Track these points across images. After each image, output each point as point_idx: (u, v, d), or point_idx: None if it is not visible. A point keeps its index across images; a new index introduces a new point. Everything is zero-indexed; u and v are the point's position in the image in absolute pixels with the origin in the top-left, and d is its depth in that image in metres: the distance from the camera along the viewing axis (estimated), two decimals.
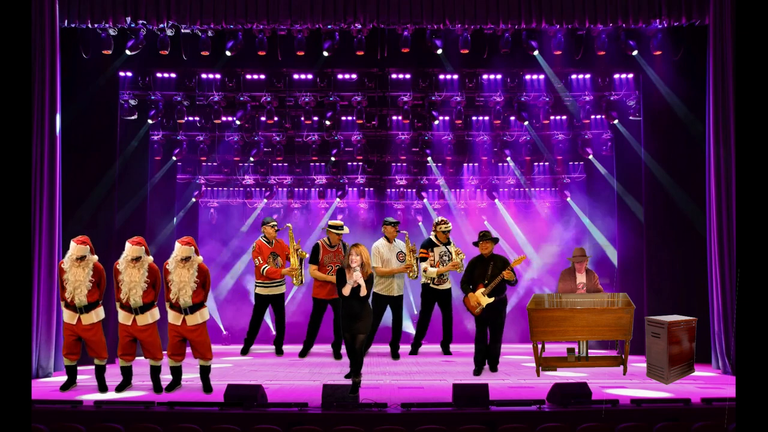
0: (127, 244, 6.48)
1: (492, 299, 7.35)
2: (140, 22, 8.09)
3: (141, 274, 6.45)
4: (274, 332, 9.42)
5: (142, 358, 6.91)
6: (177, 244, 6.49)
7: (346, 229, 8.59)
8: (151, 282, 6.54)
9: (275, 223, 8.85)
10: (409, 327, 12.04)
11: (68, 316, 6.61)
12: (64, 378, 6.83)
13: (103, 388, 6.58)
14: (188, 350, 6.74)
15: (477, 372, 7.53)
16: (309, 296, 9.01)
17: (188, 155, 11.87)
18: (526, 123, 10.86)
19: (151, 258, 6.61)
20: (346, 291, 6.36)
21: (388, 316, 8.77)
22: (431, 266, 8.52)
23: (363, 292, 6.34)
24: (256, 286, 8.87)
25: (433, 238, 8.62)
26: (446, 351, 8.96)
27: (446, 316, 8.89)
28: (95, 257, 6.64)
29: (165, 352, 6.73)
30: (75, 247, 6.49)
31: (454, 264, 8.50)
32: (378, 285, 8.47)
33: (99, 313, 6.69)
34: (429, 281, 8.67)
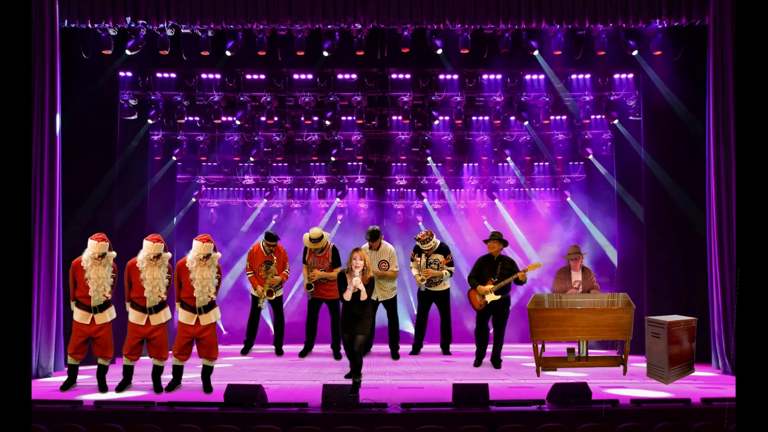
0: (147, 242, 6.46)
1: (498, 297, 7.78)
2: (140, 22, 8.09)
3: (162, 272, 6.48)
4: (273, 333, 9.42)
5: (143, 357, 6.91)
6: (196, 242, 6.47)
7: (324, 241, 8.46)
8: (170, 278, 6.58)
9: (273, 243, 8.71)
10: (409, 327, 12.05)
11: (81, 316, 6.61)
12: (64, 378, 6.83)
13: (103, 388, 6.58)
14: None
15: (476, 363, 7.98)
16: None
17: (188, 155, 11.87)
18: (526, 123, 10.86)
19: (169, 254, 6.64)
20: (347, 296, 6.52)
21: (385, 316, 8.78)
22: (416, 269, 8.65)
23: (363, 296, 6.51)
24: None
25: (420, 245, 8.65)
26: (446, 351, 8.96)
27: (443, 317, 8.87)
28: (114, 253, 6.66)
29: (170, 352, 6.73)
30: (96, 245, 6.47)
31: (437, 275, 8.49)
32: None
33: (111, 312, 6.74)
34: (420, 285, 8.71)
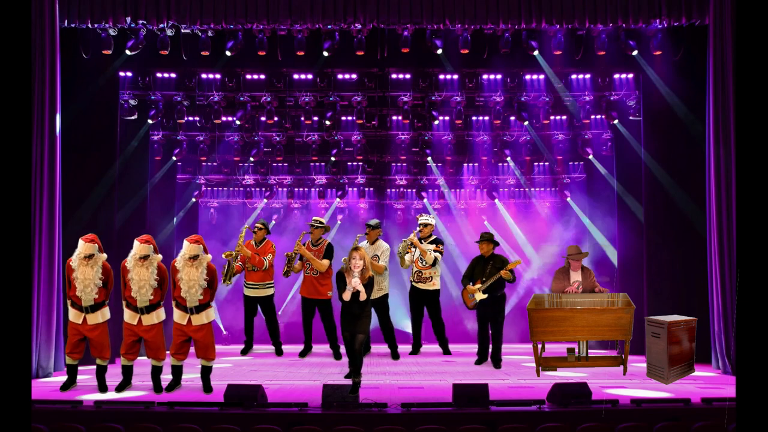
0: (136, 242, 6.47)
1: (486, 296, 7.90)
2: (140, 22, 8.09)
3: (150, 273, 6.44)
4: None
5: (143, 357, 6.91)
6: (185, 242, 6.48)
7: (322, 230, 8.52)
8: (159, 281, 6.53)
9: (261, 227, 8.73)
10: (408, 327, 12.04)
11: (74, 315, 6.60)
12: (64, 378, 6.83)
13: (103, 388, 6.58)
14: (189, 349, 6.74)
15: (479, 361, 8.19)
16: None
17: (188, 155, 11.88)
18: (526, 123, 10.86)
19: (159, 256, 6.61)
20: (347, 296, 6.46)
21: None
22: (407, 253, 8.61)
23: (362, 297, 6.47)
24: (244, 286, 8.88)
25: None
26: (446, 351, 8.95)
27: (433, 319, 8.79)
28: (104, 255, 6.64)
29: (168, 352, 6.72)
30: (83, 245, 6.48)
31: (420, 249, 8.41)
32: None
33: (105, 314, 6.69)
34: (412, 279, 8.69)
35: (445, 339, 8.95)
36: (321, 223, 8.55)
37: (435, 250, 8.49)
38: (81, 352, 6.72)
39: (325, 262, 8.41)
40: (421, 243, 8.51)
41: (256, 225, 8.76)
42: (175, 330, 6.57)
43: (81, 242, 6.52)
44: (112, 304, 6.94)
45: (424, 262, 8.50)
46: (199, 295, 6.45)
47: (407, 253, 8.52)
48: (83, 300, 6.52)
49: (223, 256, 8.50)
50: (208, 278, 6.52)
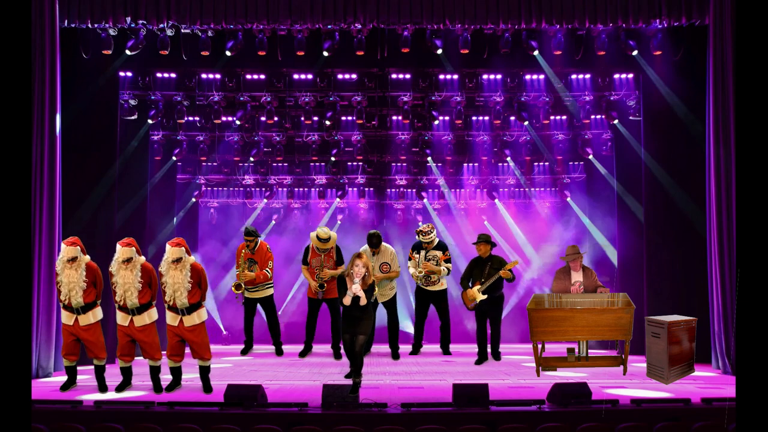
0: (118, 246, 6.44)
1: (485, 296, 8.06)
2: (140, 22, 8.09)
3: (134, 275, 6.40)
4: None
5: (143, 358, 6.91)
6: (167, 247, 6.45)
7: (332, 241, 8.45)
8: (146, 282, 6.48)
9: (250, 238, 8.61)
10: (409, 327, 12.05)
11: (66, 316, 6.59)
12: (64, 378, 6.83)
13: (103, 388, 6.58)
14: (188, 350, 6.73)
15: (478, 361, 8.21)
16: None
17: (188, 155, 11.88)
18: (526, 123, 10.86)
19: (143, 258, 6.57)
20: (347, 301, 6.51)
21: (384, 316, 8.77)
22: (414, 268, 8.63)
23: (363, 301, 6.50)
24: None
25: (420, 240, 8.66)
26: (446, 351, 8.96)
27: (441, 318, 8.84)
28: (87, 257, 6.60)
29: (164, 353, 6.71)
30: (65, 249, 6.45)
31: (435, 270, 8.48)
32: None
33: (96, 314, 6.66)
34: (418, 282, 8.71)
35: (449, 339, 8.97)
36: (329, 237, 8.43)
37: (444, 260, 8.53)
38: (77, 354, 6.71)
39: (342, 268, 8.39)
40: (427, 253, 8.53)
41: (245, 237, 8.66)
42: (169, 332, 6.55)
43: (63, 246, 6.48)
44: (107, 306, 6.91)
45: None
46: (184, 297, 6.39)
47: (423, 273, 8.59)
48: (73, 302, 6.49)
49: (233, 290, 8.54)
50: (194, 280, 6.44)
